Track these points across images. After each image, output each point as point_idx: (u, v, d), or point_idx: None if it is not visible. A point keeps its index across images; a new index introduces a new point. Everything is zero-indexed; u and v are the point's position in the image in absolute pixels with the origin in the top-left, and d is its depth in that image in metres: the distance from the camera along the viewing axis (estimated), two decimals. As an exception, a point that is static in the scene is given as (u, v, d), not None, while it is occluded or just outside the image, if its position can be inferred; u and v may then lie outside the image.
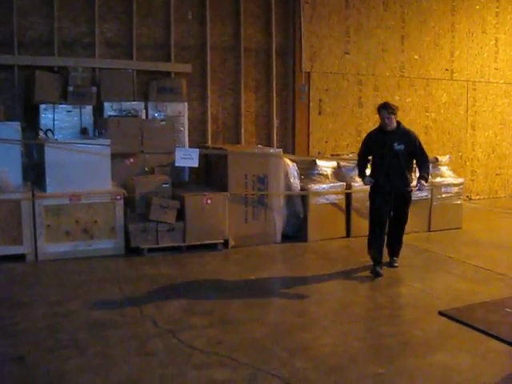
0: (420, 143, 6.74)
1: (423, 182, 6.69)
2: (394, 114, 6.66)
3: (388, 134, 6.68)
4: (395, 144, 6.59)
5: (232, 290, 6.12)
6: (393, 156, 6.63)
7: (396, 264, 7.07)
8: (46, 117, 8.17)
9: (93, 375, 4.11)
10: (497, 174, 12.44)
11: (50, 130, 8.03)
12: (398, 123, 6.73)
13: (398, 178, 6.67)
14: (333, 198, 8.40)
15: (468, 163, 12.03)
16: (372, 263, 6.84)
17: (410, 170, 6.81)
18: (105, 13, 9.02)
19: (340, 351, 4.60)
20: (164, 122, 8.55)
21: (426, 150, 6.82)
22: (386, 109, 6.67)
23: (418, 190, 6.80)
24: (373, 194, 6.88)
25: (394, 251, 7.12)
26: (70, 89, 8.29)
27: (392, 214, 6.86)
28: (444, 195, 9.16)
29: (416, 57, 11.17)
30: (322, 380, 4.08)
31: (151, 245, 7.39)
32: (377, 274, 6.68)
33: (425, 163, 6.78)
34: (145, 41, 9.29)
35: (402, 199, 6.77)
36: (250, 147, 9.39)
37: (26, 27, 8.63)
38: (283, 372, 4.15)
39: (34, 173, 7.72)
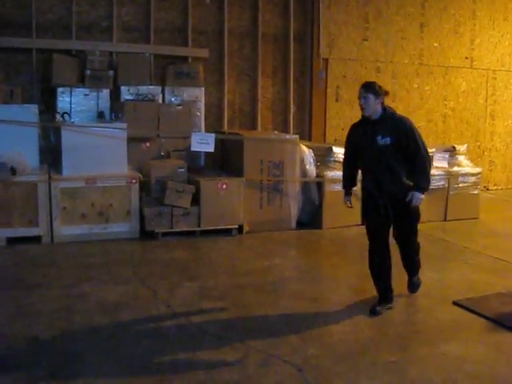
0: (415, 135, 4.91)
1: (417, 193, 4.95)
2: (376, 94, 4.90)
3: (371, 125, 5.01)
4: (379, 137, 4.91)
5: (245, 275, 6.13)
6: (377, 153, 4.97)
7: (417, 284, 5.64)
8: (63, 100, 8.19)
9: (105, 356, 4.14)
10: (515, 165, 12.32)
11: (67, 113, 8.05)
12: (386, 109, 4.99)
13: (390, 183, 5.01)
14: (349, 185, 8.35)
15: (486, 153, 11.91)
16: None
17: (404, 169, 5.04)
18: (123, -5, 9.04)
19: (352, 339, 4.59)
20: (180, 107, 8.53)
21: (425, 143, 5.03)
22: (362, 87, 5.01)
23: (410, 203, 4.98)
24: (364, 207, 5.34)
25: (410, 271, 5.64)
26: (88, 72, 8.31)
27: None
28: (461, 185, 9.09)
29: (435, 44, 11.05)
30: (334, 367, 4.07)
31: (166, 229, 7.41)
32: (372, 312, 5.11)
33: (421, 164, 4.95)
34: (162, 25, 9.27)
35: (402, 211, 5.08)
36: (267, 133, 9.37)
37: (44, 10, 8.65)
38: (295, 358, 4.15)
39: (51, 155, 7.75)
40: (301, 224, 8.26)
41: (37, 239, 7.08)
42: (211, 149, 7.28)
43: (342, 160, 8.46)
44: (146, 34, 9.14)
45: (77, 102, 8.22)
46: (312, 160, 8.35)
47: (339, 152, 8.66)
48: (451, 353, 4.37)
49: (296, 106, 10.24)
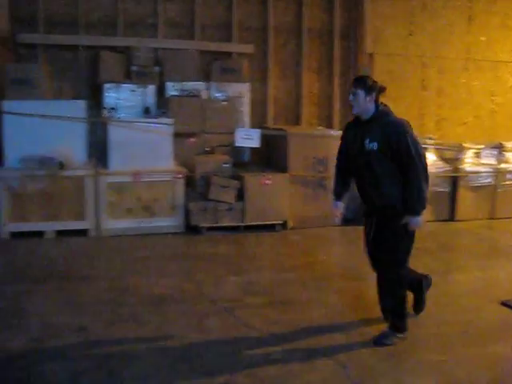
0: (408, 141, 4.08)
1: (412, 218, 4.18)
2: (366, 90, 4.22)
3: (361, 126, 4.35)
4: (367, 141, 4.22)
5: (289, 271, 6.13)
6: (364, 160, 4.28)
7: (384, 341, 4.35)
8: (110, 96, 8.32)
9: (151, 349, 4.20)
10: None
11: (114, 108, 8.17)
12: (378, 108, 4.28)
13: (374, 193, 4.31)
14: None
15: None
16: None
17: (396, 180, 4.20)
18: (168, -7, 9.14)
19: (398, 336, 4.56)
20: (225, 103, 8.57)
21: (423, 153, 4.21)
22: (353, 81, 4.41)
23: (405, 225, 4.21)
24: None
25: (385, 317, 4.54)
26: (134, 68, 8.43)
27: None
28: (508, 182, 8.91)
29: (483, 38, 10.84)
30: (379, 365, 4.05)
31: (210, 224, 7.47)
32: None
33: (414, 179, 4.12)
34: (207, 21, 9.32)
35: (382, 229, 4.33)
36: (311, 129, 9.34)
37: (91, 8, 8.80)
38: (339, 355, 4.14)
39: (98, 150, 7.88)
40: (345, 220, 8.19)
41: (83, 232, 7.22)
42: (256, 144, 7.30)
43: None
44: (190, 30, 9.21)
45: (123, 97, 8.34)
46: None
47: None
48: (499, 354, 4.31)
49: (340, 102, 10.16)
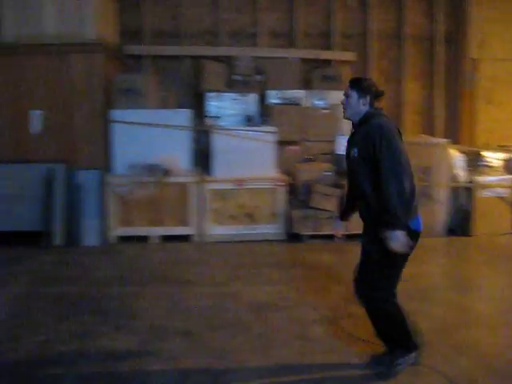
0: (382, 145, 3.59)
1: (388, 231, 3.58)
2: (360, 92, 3.86)
3: (353, 133, 4.00)
4: (353, 148, 3.87)
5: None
6: (350, 168, 3.98)
7: (393, 369, 3.93)
8: (213, 104, 8.51)
9: (254, 355, 4.25)
10: None
11: (217, 116, 8.34)
12: (367, 112, 3.86)
13: (364, 210, 3.94)
14: (501, 191, 7.99)
15: None
16: None
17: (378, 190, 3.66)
18: (267, 2, 9.22)
19: (508, 352, 4.38)
20: (326, 110, 8.55)
21: (401, 158, 3.60)
22: (348, 83, 3.99)
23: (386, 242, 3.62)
24: None
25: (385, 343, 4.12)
26: (235, 77, 8.58)
27: None
28: None
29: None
30: (488, 381, 3.91)
31: (311, 231, 7.47)
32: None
33: (385, 187, 3.57)
34: (307, 29, 9.38)
35: (367, 248, 3.98)
36: (415, 137, 9.16)
37: (194, 19, 9.06)
38: (447, 369, 4.02)
39: (201, 158, 8.06)
40: (450, 231, 8.01)
41: (186, 238, 7.40)
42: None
43: (493, 165, 8.22)
44: (290, 39, 9.31)
45: (225, 106, 8.51)
46: (462, 165, 8.08)
47: (490, 157, 8.33)
48: None
49: (443, 109, 9.93)
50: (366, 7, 9.51)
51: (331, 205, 7.44)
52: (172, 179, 7.35)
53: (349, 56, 9.33)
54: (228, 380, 3.88)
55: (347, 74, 9.06)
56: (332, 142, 8.02)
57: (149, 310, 5.17)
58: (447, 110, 9.96)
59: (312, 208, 7.46)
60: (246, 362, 4.14)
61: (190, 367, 4.05)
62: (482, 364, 4.16)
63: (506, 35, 9.87)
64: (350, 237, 6.50)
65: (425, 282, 6.08)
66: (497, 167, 8.26)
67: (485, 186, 7.91)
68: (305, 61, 9.17)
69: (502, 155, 8.42)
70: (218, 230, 7.44)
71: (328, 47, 9.42)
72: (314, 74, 8.93)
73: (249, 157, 7.45)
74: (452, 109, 9.96)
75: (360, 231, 4.03)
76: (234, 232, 7.44)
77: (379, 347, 4.19)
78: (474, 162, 8.27)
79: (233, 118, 8.47)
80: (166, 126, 7.40)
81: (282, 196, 7.52)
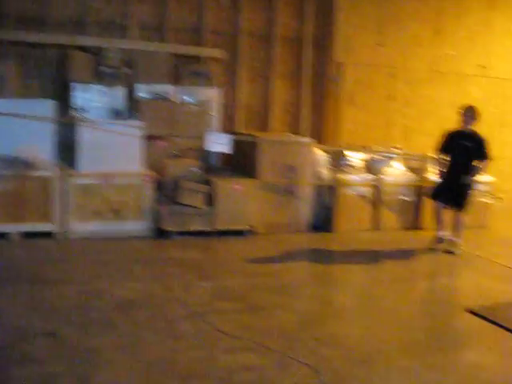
0: None
1: None
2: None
3: None
4: None
5: (259, 276, 6.13)
6: None
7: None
8: (79, 96, 8.19)
9: (123, 354, 4.14)
10: (525, 173, 12.31)
11: (83, 109, 8.06)
12: None
13: None
14: (362, 190, 8.38)
15: (496, 162, 11.86)
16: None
17: None
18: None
19: (368, 342, 4.60)
20: (195, 107, 8.54)
21: None
22: None
23: None
24: None
25: None
26: (103, 69, 8.31)
27: None
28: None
29: (450, 51, 11.04)
30: (351, 370, 4.08)
31: (179, 228, 7.41)
32: None
33: None
34: (178, 24, 9.25)
35: None
36: (281, 135, 9.36)
37: (60, 6, 8.67)
38: (312, 360, 4.14)
39: (66, 151, 7.75)
40: (313, 227, 8.27)
41: (49, 235, 7.09)
42: (227, 149, 7.28)
43: (355, 165, 8.60)
44: (161, 33, 9.15)
45: (92, 98, 8.21)
46: (325, 164, 8.38)
47: (353, 157, 8.71)
48: (466, 360, 4.39)
49: (309, 109, 10.22)
50: (237, 6, 9.58)
51: (199, 201, 7.44)
52: (34, 173, 7.01)
53: (218, 53, 9.34)
54: (95, 381, 3.75)
55: (217, 71, 9.16)
56: (200, 138, 7.99)
57: (8, 310, 4.88)
58: (313, 111, 10.27)
59: (179, 204, 7.41)
60: (114, 361, 4.02)
61: (56, 369, 3.85)
62: (344, 353, 4.34)
63: (368, 41, 10.35)
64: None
65: (288, 277, 6.24)
66: (359, 167, 8.64)
67: (347, 185, 8.25)
68: (175, 56, 9.07)
69: (363, 155, 8.82)
70: (83, 227, 7.18)
71: (199, 43, 9.39)
72: (182, 70, 8.87)
73: (115, 151, 7.25)
74: (318, 109, 10.28)
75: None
76: (100, 228, 7.22)
77: (249, 343, 4.25)
78: (338, 162, 8.61)
79: (100, 111, 8.16)
80: (28, 116, 7.03)
81: (149, 192, 7.40)
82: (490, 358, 4.42)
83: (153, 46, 8.89)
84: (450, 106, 11.13)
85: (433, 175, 8.26)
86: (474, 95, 11.35)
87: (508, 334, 4.88)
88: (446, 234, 7.53)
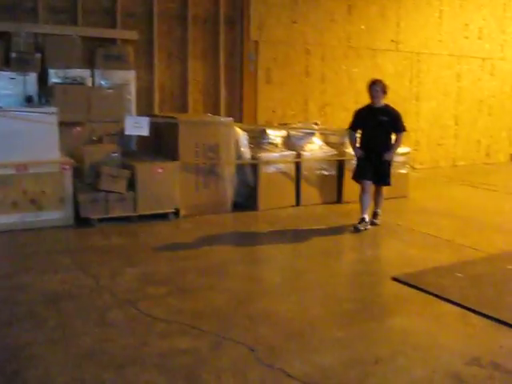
0: None
1: None
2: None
3: None
4: None
5: (186, 259, 6.09)
6: None
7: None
8: (-13, 84, 7.86)
9: (53, 347, 4.03)
10: (439, 144, 12.75)
11: (-7, 97, 7.73)
12: None
13: None
14: (283, 166, 8.44)
15: (412, 133, 12.23)
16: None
17: None
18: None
19: (299, 317, 4.65)
20: (111, 90, 8.35)
21: None
22: None
23: None
24: None
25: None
26: (13, 55, 8.00)
27: None
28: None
29: (363, 27, 11.23)
30: (286, 345, 4.12)
31: (101, 215, 7.25)
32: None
33: None
34: (90, 6, 8.99)
35: None
36: (200, 116, 9.30)
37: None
38: (246, 339, 4.17)
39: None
40: (237, 206, 8.28)
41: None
42: (146, 132, 7.19)
43: (275, 142, 8.64)
44: (73, 16, 8.86)
45: (2, 85, 7.89)
46: (246, 142, 8.39)
47: (272, 134, 8.76)
48: (395, 326, 4.52)
49: (227, 89, 10.20)
50: (149, -14, 9.39)
51: (121, 186, 7.29)
52: None
53: (131, 35, 9.14)
54: (27, 378, 3.62)
55: (133, 53, 8.96)
56: (118, 122, 7.84)
57: None
58: (231, 90, 10.24)
59: (100, 191, 7.24)
60: (44, 356, 3.90)
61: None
62: (278, 330, 4.38)
63: (283, 19, 10.39)
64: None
65: (215, 258, 6.22)
66: (279, 144, 8.70)
67: (268, 162, 8.29)
68: (89, 39, 8.79)
69: (282, 132, 8.89)
70: (1, 220, 6.91)
71: (113, 26, 9.15)
72: (96, 53, 8.64)
73: (30, 140, 6.96)
74: (236, 89, 10.26)
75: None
76: (18, 220, 6.95)
77: (182, 326, 4.23)
78: (258, 140, 8.64)
79: (11, 99, 7.85)
80: None
81: (68, 180, 7.18)
82: (417, 323, 4.57)
83: (64, 30, 8.61)
84: (365, 81, 11.34)
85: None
86: (387, 70, 11.66)
87: (433, 298, 5.05)
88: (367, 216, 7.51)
